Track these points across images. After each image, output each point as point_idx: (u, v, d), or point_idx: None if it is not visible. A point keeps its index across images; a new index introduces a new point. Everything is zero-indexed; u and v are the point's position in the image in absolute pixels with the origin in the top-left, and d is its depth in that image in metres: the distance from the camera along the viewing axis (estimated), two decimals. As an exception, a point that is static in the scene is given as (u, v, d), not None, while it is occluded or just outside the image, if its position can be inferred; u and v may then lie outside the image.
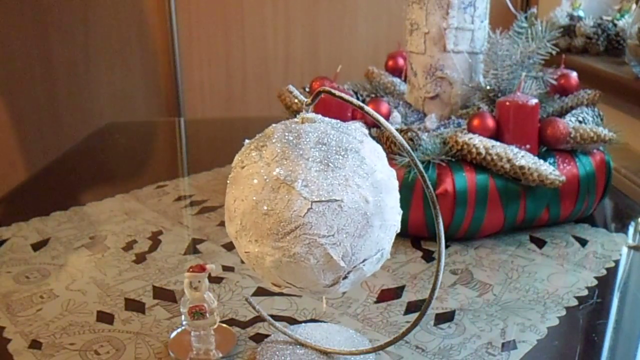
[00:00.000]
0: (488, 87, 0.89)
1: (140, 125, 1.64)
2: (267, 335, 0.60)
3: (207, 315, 0.55)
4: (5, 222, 0.87)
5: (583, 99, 0.92)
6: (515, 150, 0.78)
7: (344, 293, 0.68)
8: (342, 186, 0.44)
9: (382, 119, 0.45)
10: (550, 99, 0.92)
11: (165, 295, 0.68)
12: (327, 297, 0.67)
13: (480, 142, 0.77)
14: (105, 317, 0.64)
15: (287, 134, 0.46)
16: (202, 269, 0.55)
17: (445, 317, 0.64)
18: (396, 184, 0.48)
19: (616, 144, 0.84)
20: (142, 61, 2.06)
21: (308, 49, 2.09)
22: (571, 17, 1.62)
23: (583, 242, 0.81)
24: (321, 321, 0.63)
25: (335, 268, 0.45)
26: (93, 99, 2.07)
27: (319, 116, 0.48)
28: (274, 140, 0.46)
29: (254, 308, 0.60)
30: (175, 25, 2.02)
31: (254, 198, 0.45)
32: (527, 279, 0.72)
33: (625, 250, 0.79)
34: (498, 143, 0.78)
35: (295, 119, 0.48)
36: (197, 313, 0.55)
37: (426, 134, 0.83)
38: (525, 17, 0.89)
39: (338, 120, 0.49)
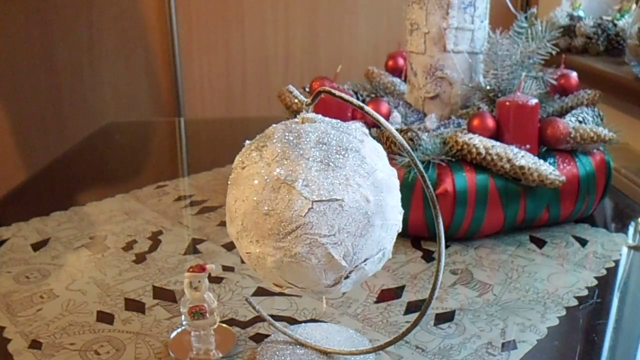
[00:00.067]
0: (488, 87, 0.89)
1: (140, 125, 1.64)
2: (267, 335, 0.60)
3: (207, 315, 0.55)
4: (5, 222, 0.87)
5: (583, 99, 0.92)
6: (515, 150, 0.78)
7: (344, 293, 0.68)
8: (342, 186, 0.44)
9: (382, 119, 0.45)
10: (550, 99, 0.92)
11: (165, 295, 0.68)
12: (327, 297, 0.67)
13: (480, 142, 0.77)
14: (105, 317, 0.64)
15: (287, 134, 0.46)
16: (202, 269, 0.55)
17: (445, 317, 0.64)
18: (397, 183, 0.48)
19: (616, 144, 0.84)
20: (141, 61, 2.06)
21: (308, 49, 2.09)
22: (571, 17, 1.62)
23: (583, 242, 0.81)
24: (321, 321, 0.63)
25: (336, 268, 0.45)
26: (93, 99, 2.07)
27: (319, 116, 0.48)
28: (274, 141, 0.46)
29: (254, 308, 0.60)
30: (175, 25, 2.02)
31: (255, 198, 0.45)
32: (527, 279, 0.72)
33: (625, 250, 0.79)
34: (498, 143, 0.78)
35: (296, 119, 0.48)
36: (197, 313, 0.55)
37: (426, 134, 0.83)
38: (525, 17, 0.89)
39: (338, 120, 0.49)
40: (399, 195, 0.48)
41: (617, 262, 0.76)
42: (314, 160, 0.44)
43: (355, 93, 1.00)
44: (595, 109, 0.89)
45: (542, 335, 0.60)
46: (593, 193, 0.84)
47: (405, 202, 0.75)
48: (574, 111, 0.88)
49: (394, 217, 0.47)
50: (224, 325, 0.62)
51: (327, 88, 0.45)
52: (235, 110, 2.11)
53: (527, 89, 0.86)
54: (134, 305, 0.66)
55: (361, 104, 0.45)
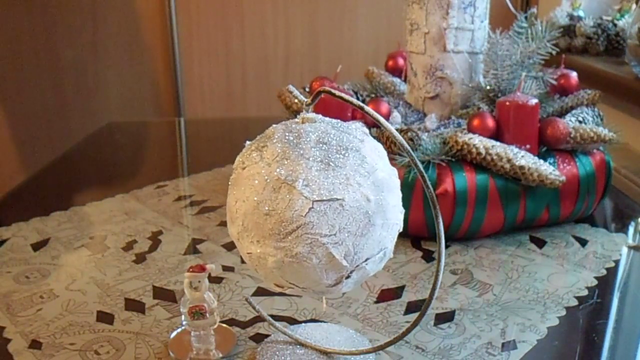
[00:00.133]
0: (488, 87, 0.89)
1: (140, 125, 1.64)
2: (267, 335, 0.60)
3: (207, 315, 0.55)
4: (5, 222, 0.87)
5: (583, 99, 0.92)
6: (515, 150, 0.78)
7: (344, 293, 0.68)
8: (343, 185, 0.44)
9: (382, 119, 0.45)
10: (550, 99, 0.92)
11: (165, 295, 0.68)
12: (327, 297, 0.67)
13: (480, 142, 0.77)
14: (105, 317, 0.64)
15: (287, 134, 0.46)
16: (202, 269, 0.55)
17: (445, 317, 0.64)
18: (398, 182, 0.48)
19: (616, 144, 0.84)
20: (141, 61, 2.06)
21: (308, 49, 2.09)
22: (571, 17, 1.62)
23: (583, 242, 0.81)
24: (321, 321, 0.63)
25: (337, 267, 0.45)
26: (96, 99, 2.07)
27: (319, 116, 0.48)
28: (274, 141, 0.46)
29: (254, 308, 0.60)
30: (175, 25, 2.02)
31: (255, 199, 0.45)
32: (527, 279, 0.72)
33: (625, 250, 0.79)
34: (498, 143, 0.78)
35: (296, 119, 0.48)
36: (197, 313, 0.55)
37: (426, 134, 0.83)
38: (525, 17, 0.89)
39: (338, 120, 0.49)
40: (399, 194, 0.48)
41: (617, 262, 0.76)
42: (315, 160, 0.44)
43: (355, 93, 1.00)
44: (595, 109, 0.89)
45: (542, 335, 0.60)
46: (593, 193, 0.84)
47: (405, 202, 0.75)
48: (574, 111, 0.88)
49: (395, 216, 0.47)
50: (224, 325, 0.62)
51: (327, 88, 0.45)
52: (235, 110, 2.11)
53: (527, 89, 0.86)
54: (134, 305, 0.66)
55: (361, 104, 0.45)
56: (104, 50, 2.04)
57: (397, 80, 1.04)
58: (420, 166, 0.45)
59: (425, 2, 0.89)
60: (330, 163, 0.44)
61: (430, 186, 0.45)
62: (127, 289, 0.69)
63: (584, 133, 0.81)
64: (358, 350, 0.55)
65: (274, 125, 0.49)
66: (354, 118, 0.86)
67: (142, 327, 0.62)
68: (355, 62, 1.98)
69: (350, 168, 0.44)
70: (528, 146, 0.80)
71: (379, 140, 0.52)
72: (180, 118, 2.05)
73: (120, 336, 0.61)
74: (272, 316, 0.62)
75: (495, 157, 0.76)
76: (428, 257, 0.77)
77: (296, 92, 0.98)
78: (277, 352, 0.55)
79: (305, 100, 0.48)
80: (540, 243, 0.81)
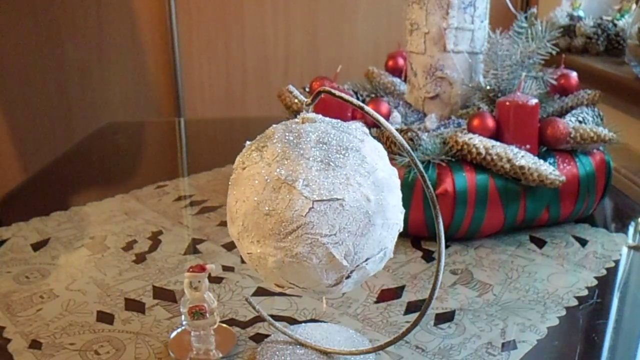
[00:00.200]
0: (488, 87, 0.89)
1: (140, 125, 1.64)
2: (267, 335, 0.60)
3: (207, 315, 0.55)
4: (5, 222, 0.87)
5: (583, 99, 0.92)
6: (515, 150, 0.78)
7: (344, 293, 0.68)
8: (343, 185, 0.44)
9: (382, 119, 0.45)
10: (550, 99, 0.92)
11: (165, 295, 0.68)
12: (327, 297, 0.67)
13: (480, 142, 0.77)
14: (105, 317, 0.64)
15: (287, 134, 0.46)
16: (202, 269, 0.55)
17: (445, 317, 0.64)
18: (398, 182, 0.48)
19: (616, 144, 0.84)
20: (142, 61, 2.06)
21: (308, 49, 2.09)
22: (571, 17, 1.62)
23: (583, 242, 0.81)
24: (321, 321, 0.63)
25: (338, 267, 0.45)
26: (99, 99, 2.07)
27: (319, 116, 0.48)
28: (274, 141, 0.46)
29: (254, 308, 0.60)
30: (175, 25, 2.02)
31: (255, 199, 0.45)
32: (527, 279, 0.72)
33: (625, 250, 0.79)
34: (498, 143, 0.78)
35: (296, 119, 0.48)
36: (197, 313, 0.55)
37: (426, 134, 0.83)
38: (525, 17, 0.89)
39: (338, 120, 0.49)
40: (399, 194, 0.48)
41: (617, 262, 0.76)
42: (315, 160, 0.44)
43: (355, 93, 1.00)
44: (595, 109, 0.89)
45: (542, 335, 0.60)
46: (593, 193, 0.84)
47: (405, 202, 0.75)
48: (574, 111, 0.88)
49: (395, 216, 0.47)
50: (224, 325, 0.62)
51: (327, 88, 0.45)
52: (235, 110, 2.11)
53: (527, 89, 0.86)
54: (134, 305, 0.66)
55: (361, 104, 0.45)
56: (105, 50, 2.04)
57: (397, 80, 1.04)
58: (420, 166, 0.45)
59: (425, 2, 0.89)
60: (331, 163, 0.44)
61: (430, 186, 0.45)
62: (127, 289, 0.70)
63: (584, 133, 0.81)
64: (358, 350, 0.55)
65: (274, 125, 0.49)
66: (354, 118, 0.86)
67: (142, 327, 0.62)
68: (355, 62, 1.98)
69: (351, 168, 0.44)
70: (528, 146, 0.80)
71: (379, 140, 0.52)
72: (180, 118, 2.05)
73: (120, 336, 0.61)
74: (272, 316, 0.62)
75: (495, 157, 0.76)
76: (428, 257, 0.77)
77: (296, 92, 0.98)
78: (277, 352, 0.55)
79: (305, 100, 0.48)
80: (540, 243, 0.81)
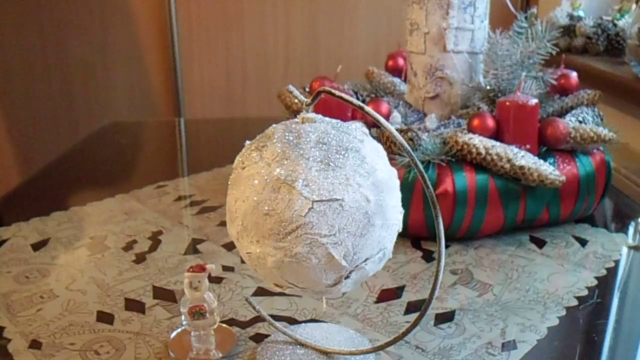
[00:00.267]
0: (488, 87, 0.89)
1: (140, 125, 1.64)
2: (267, 335, 0.60)
3: (207, 315, 0.55)
4: (5, 222, 0.87)
5: (583, 99, 0.92)
6: (515, 150, 0.78)
7: (344, 293, 0.68)
8: (343, 185, 0.44)
9: (382, 119, 0.45)
10: (550, 99, 0.92)
11: (165, 295, 0.68)
12: (327, 297, 0.67)
13: (480, 142, 0.77)
14: (105, 317, 0.64)
15: (287, 134, 0.46)
16: (202, 269, 0.55)
17: (445, 317, 0.64)
18: (397, 183, 0.48)
19: (616, 144, 0.84)
20: (142, 61, 2.06)
21: (308, 49, 2.09)
22: (571, 17, 1.62)
23: (583, 242, 0.81)
24: (321, 321, 0.63)
25: (337, 268, 0.45)
26: (92, 99, 2.07)
27: (319, 116, 0.48)
28: (274, 141, 0.46)
29: (254, 308, 0.60)
30: (175, 25, 2.02)
31: (255, 198, 0.45)
32: (527, 279, 0.72)
33: (625, 250, 0.79)
34: (498, 143, 0.78)
35: (296, 119, 0.48)
36: (197, 313, 0.55)
37: (426, 134, 0.83)
38: (525, 17, 0.89)
39: (338, 120, 0.49)
40: (399, 195, 0.48)
41: (617, 262, 0.76)
42: (314, 160, 0.44)
43: (355, 93, 1.00)
44: (595, 109, 0.89)
45: (542, 335, 0.60)
46: (593, 193, 0.84)
47: (405, 202, 0.75)
48: (574, 111, 0.88)
49: (395, 216, 0.47)
50: (224, 325, 0.62)
51: (327, 88, 0.45)
52: (235, 110, 2.11)
53: (527, 89, 0.86)
54: (134, 305, 0.66)
55: (361, 104, 0.45)
56: (105, 51, 2.04)
57: (397, 80, 1.04)
58: (420, 166, 0.45)
59: (425, 2, 0.89)
60: (330, 163, 0.44)
61: (430, 186, 0.45)
62: (127, 289, 0.69)
63: (584, 133, 0.81)
64: (358, 350, 0.55)
65: (274, 125, 0.49)
66: (354, 118, 0.86)
67: (142, 327, 0.62)
68: (355, 62, 1.98)
69: (350, 168, 0.44)
70: (528, 146, 0.80)
71: (378, 140, 0.52)
72: (180, 118, 2.05)
73: (120, 336, 0.61)
74: (272, 316, 0.62)
75: (495, 157, 0.76)
76: (428, 257, 0.77)
77: (296, 92, 0.98)
78: (277, 352, 0.55)
79: (305, 100, 0.48)
80: (540, 243, 0.81)
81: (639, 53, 1.27)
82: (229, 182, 0.49)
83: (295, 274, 0.45)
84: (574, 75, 0.94)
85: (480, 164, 0.78)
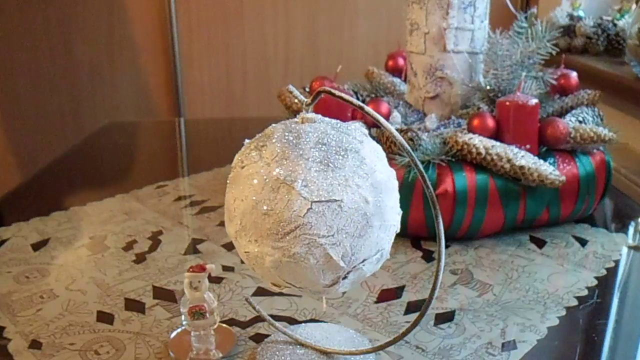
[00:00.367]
0: (488, 87, 0.89)
1: (140, 125, 1.64)
2: (267, 335, 0.60)
3: (207, 315, 0.55)
4: (5, 222, 0.87)
5: (583, 99, 0.92)
6: (515, 150, 0.78)
7: (343, 293, 0.68)
8: (342, 186, 0.44)
9: (382, 119, 0.45)
10: (550, 99, 0.92)
11: (165, 295, 0.68)
12: (327, 297, 0.67)
13: (480, 142, 0.77)
14: (105, 317, 0.64)
15: (287, 134, 0.46)
16: (202, 269, 0.55)
17: (445, 317, 0.64)
18: (396, 184, 0.48)
19: (616, 144, 0.84)
20: (142, 61, 2.06)
21: (308, 49, 2.09)
22: (571, 17, 1.62)
23: (583, 242, 0.81)
24: (321, 321, 0.63)
25: (334, 268, 0.45)
26: (91, 99, 2.07)
27: (319, 116, 0.48)
28: (273, 140, 0.46)
29: (254, 308, 0.60)
30: (175, 25, 2.02)
31: (254, 198, 0.45)
32: (527, 279, 0.72)
33: (625, 250, 0.79)
34: (498, 143, 0.78)
35: (295, 119, 0.48)
36: (197, 313, 0.55)
37: (426, 134, 0.83)
38: (525, 17, 0.89)
39: (338, 121, 0.49)
40: (397, 196, 0.48)
41: (617, 262, 0.76)
42: (314, 160, 0.44)
43: (355, 93, 1.00)
44: (595, 109, 0.89)
45: (542, 335, 0.60)
46: (593, 193, 0.84)
47: (405, 202, 0.75)
48: (574, 111, 0.88)
49: (393, 218, 0.47)
50: (224, 325, 0.62)
51: (327, 88, 0.45)
52: (235, 110, 2.11)
53: (527, 89, 0.86)
54: (134, 305, 0.66)
55: (361, 104, 0.45)
56: (105, 50, 2.04)
57: (397, 80, 1.04)
58: (420, 166, 0.45)
59: (425, 2, 0.89)
60: (330, 164, 0.44)
61: (430, 186, 0.45)
62: (127, 289, 0.70)
63: (584, 133, 0.81)
64: (358, 350, 0.55)
65: (274, 125, 0.49)
66: (354, 118, 0.86)
67: (142, 327, 0.62)
68: (355, 62, 1.98)
69: (349, 169, 0.44)
70: (528, 146, 0.80)
71: (378, 140, 0.52)
72: (180, 118, 2.05)
73: (120, 336, 0.61)
74: (272, 316, 0.62)
75: (495, 157, 0.76)
76: (428, 257, 0.77)
77: (296, 92, 0.98)
78: (277, 352, 0.55)
79: (305, 100, 0.48)
80: (540, 243, 0.81)
81: (639, 53, 1.27)
82: (228, 181, 0.48)
83: (293, 274, 0.46)
84: (574, 75, 0.94)
85: (480, 164, 0.78)
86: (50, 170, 1.16)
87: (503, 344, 0.59)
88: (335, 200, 0.43)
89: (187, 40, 2.05)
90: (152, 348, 0.59)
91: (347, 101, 0.45)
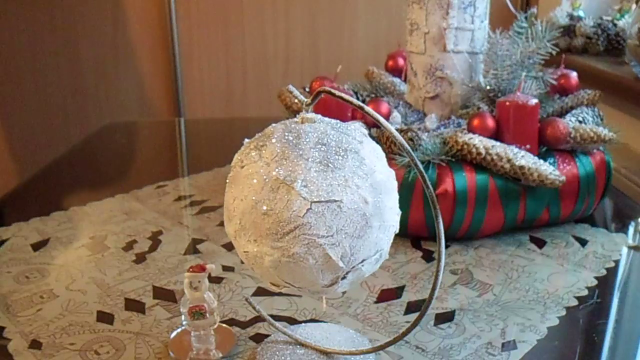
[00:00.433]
0: (488, 87, 0.89)
1: (140, 125, 1.64)
2: (267, 335, 0.60)
3: (207, 315, 0.55)
4: (5, 222, 0.87)
5: (583, 99, 0.92)
6: (515, 150, 0.78)
7: (343, 293, 0.68)
8: (341, 187, 0.44)
9: (382, 119, 0.45)
10: (550, 99, 0.92)
11: (165, 295, 0.68)
12: (327, 297, 0.67)
13: (480, 142, 0.77)
14: (105, 317, 0.64)
15: (287, 134, 0.46)
16: (202, 269, 0.55)
17: (445, 317, 0.64)
18: (395, 184, 0.48)
19: (616, 144, 0.84)
20: (142, 61, 2.06)
21: (308, 49, 2.09)
22: (571, 17, 1.62)
23: (583, 242, 0.81)
24: (321, 321, 0.63)
25: (334, 268, 0.45)
26: (91, 99, 2.07)
27: (319, 116, 0.48)
28: (273, 140, 0.46)
29: (254, 308, 0.60)
30: (175, 25, 2.02)
31: (253, 198, 0.45)
32: (527, 279, 0.72)
33: (625, 250, 0.79)
34: (498, 143, 0.78)
35: (295, 119, 0.48)
36: (197, 313, 0.55)
37: (426, 134, 0.83)
38: (525, 17, 0.89)
39: (338, 121, 0.48)
40: (396, 196, 0.48)
41: (617, 262, 0.76)
42: (313, 160, 0.44)
43: (355, 93, 1.00)
44: (595, 109, 0.89)
45: (542, 335, 0.60)
46: (593, 193, 0.84)
47: (405, 202, 0.75)
48: (574, 111, 0.88)
49: (392, 218, 0.47)
50: (224, 325, 0.62)
51: (327, 88, 0.45)
52: (235, 110, 2.11)
53: (527, 89, 0.86)
54: (134, 305, 0.66)
55: (361, 104, 0.45)
56: (105, 50, 2.04)
57: (397, 80, 1.04)
58: (420, 166, 0.45)
59: (425, 2, 0.89)
60: (329, 164, 0.44)
61: (430, 186, 0.45)
62: (127, 289, 0.70)
63: (584, 133, 0.81)
64: (358, 350, 0.55)
65: (274, 125, 0.49)
66: (354, 118, 0.86)
67: (142, 327, 0.62)
68: (355, 62, 1.98)
69: (349, 170, 0.44)
70: (528, 146, 0.80)
71: (378, 140, 0.52)
72: (180, 118, 2.05)
73: (120, 336, 0.61)
74: (272, 316, 0.62)
75: (495, 157, 0.76)
76: (428, 257, 0.77)
77: (296, 92, 0.98)
78: (277, 352, 0.55)
79: (305, 100, 0.48)
80: (540, 243, 0.81)
81: (639, 53, 1.27)
82: (227, 180, 0.48)
83: (292, 273, 0.46)
84: (574, 75, 0.94)
85: (480, 164, 0.78)
86: (50, 170, 1.16)
87: (503, 344, 0.59)
88: (335, 201, 0.43)
89: (187, 40, 2.05)
90: (152, 348, 0.59)
91: (347, 101, 0.45)
